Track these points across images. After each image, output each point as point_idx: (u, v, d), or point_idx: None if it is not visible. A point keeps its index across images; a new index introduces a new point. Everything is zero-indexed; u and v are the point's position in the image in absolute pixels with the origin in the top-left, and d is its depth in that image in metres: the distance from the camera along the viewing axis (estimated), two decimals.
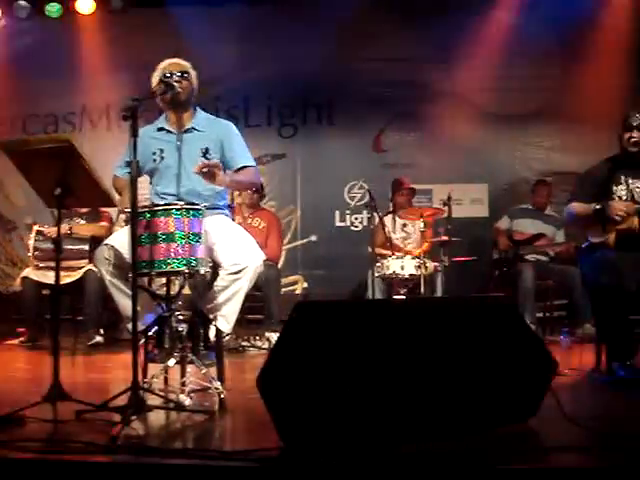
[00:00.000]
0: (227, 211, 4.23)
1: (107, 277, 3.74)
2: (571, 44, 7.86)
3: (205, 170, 3.80)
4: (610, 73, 7.89)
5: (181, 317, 3.57)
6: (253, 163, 4.22)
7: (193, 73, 4.13)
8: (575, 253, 6.80)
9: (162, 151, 4.07)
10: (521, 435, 2.95)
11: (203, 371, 3.56)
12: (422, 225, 6.88)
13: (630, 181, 4.54)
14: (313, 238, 8.73)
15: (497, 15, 8.11)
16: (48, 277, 6.28)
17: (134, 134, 3.23)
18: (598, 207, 4.47)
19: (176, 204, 3.55)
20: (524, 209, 7.59)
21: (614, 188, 4.53)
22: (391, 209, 7.67)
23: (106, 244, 3.78)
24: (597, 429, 2.92)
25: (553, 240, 7.35)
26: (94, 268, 4.87)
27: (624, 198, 4.51)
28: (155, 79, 4.08)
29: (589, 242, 4.58)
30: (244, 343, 6.33)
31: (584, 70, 7.94)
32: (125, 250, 3.62)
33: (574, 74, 7.95)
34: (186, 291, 3.71)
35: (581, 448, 2.68)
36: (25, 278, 6.64)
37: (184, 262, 3.45)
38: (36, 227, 6.64)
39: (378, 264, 6.80)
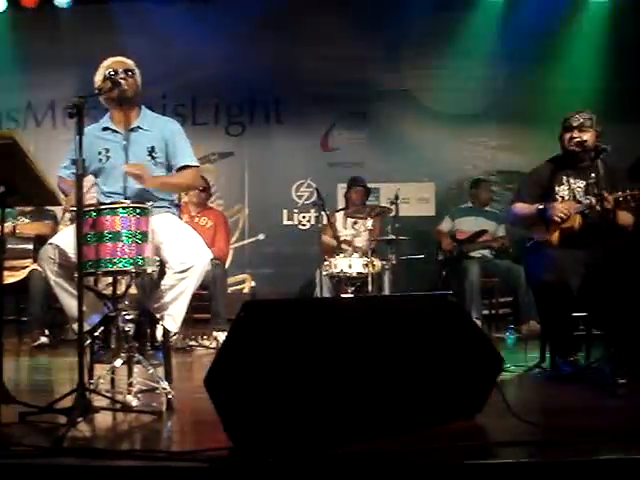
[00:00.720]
0: (174, 209, 4.20)
1: (52, 277, 3.68)
2: (519, 46, 7.97)
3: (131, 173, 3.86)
4: (556, 75, 8.03)
5: (128, 317, 3.53)
6: (195, 163, 4.20)
7: (137, 71, 4.11)
8: (509, 246, 7.05)
9: (108, 151, 4.04)
10: (468, 431, 2.98)
11: (150, 371, 3.52)
12: (370, 223, 6.91)
13: (572, 181, 4.61)
14: (261, 237, 8.72)
15: (447, 16, 8.18)
16: None
17: (80, 132, 3.19)
18: (541, 207, 4.55)
19: (123, 202, 3.50)
20: (465, 208, 7.71)
21: (556, 188, 4.61)
22: (344, 205, 7.71)
23: (51, 243, 3.73)
24: (542, 424, 2.97)
25: (495, 235, 7.47)
26: (39, 268, 4.79)
27: (566, 198, 4.58)
28: (99, 77, 4.03)
29: (533, 241, 4.65)
30: (191, 342, 6.29)
31: (532, 72, 8.06)
32: (70, 249, 3.57)
33: (522, 75, 8.07)
34: (133, 290, 3.66)
35: (526, 443, 2.72)
36: None
37: (131, 261, 3.40)
38: None
39: (326, 262, 6.81)
